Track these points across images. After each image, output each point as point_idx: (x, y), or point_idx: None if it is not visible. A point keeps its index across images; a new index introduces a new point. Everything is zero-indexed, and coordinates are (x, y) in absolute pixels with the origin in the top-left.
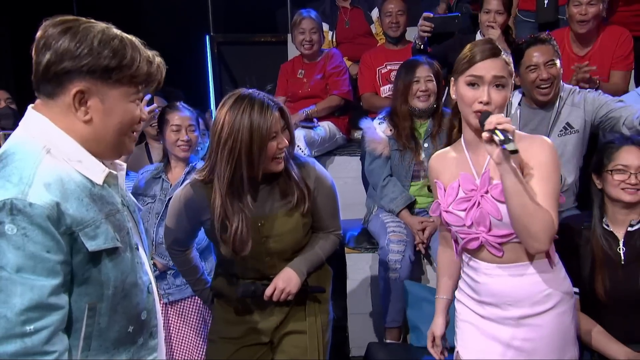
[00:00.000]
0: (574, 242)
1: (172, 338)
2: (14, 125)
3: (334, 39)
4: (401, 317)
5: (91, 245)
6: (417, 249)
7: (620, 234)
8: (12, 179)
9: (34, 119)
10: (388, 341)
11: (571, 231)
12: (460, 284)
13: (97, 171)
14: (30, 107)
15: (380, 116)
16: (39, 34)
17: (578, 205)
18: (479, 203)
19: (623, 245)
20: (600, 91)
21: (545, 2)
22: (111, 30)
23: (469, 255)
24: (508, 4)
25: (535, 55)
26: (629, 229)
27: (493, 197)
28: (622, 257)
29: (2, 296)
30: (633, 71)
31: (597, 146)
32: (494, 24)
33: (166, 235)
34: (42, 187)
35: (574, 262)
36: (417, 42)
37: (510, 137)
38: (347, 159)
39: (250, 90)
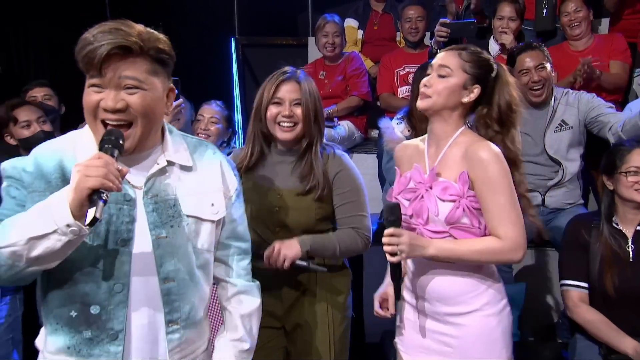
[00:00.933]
0: (583, 240)
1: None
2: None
3: (362, 37)
4: None
5: (29, 208)
6: None
7: (629, 233)
8: None
9: None
10: None
11: (581, 229)
12: (405, 279)
13: (78, 154)
14: None
15: (398, 116)
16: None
17: (585, 202)
18: (422, 196)
19: (632, 244)
20: (594, 94)
21: (544, 11)
22: (95, 26)
23: None
24: (520, 10)
25: (527, 60)
26: (638, 228)
27: (435, 194)
28: (631, 255)
29: None
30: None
31: (608, 148)
32: (507, 30)
33: None
34: (23, 158)
35: (583, 258)
36: (433, 46)
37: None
38: (365, 157)
39: (293, 67)
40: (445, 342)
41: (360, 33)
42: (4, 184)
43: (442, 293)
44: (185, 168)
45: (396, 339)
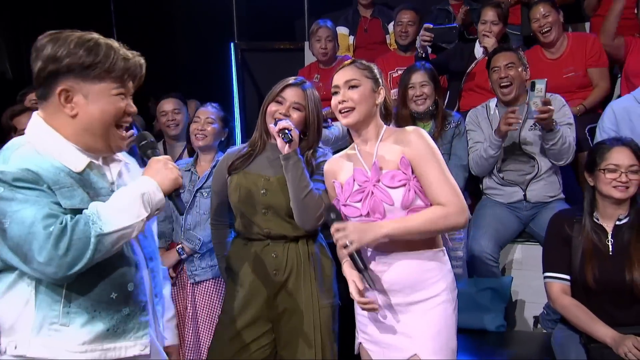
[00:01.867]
0: (566, 234)
1: (199, 315)
2: None
3: (354, 43)
4: None
5: (66, 204)
6: None
7: (609, 227)
8: None
9: (31, 121)
10: None
11: (564, 224)
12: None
13: (76, 160)
14: (34, 112)
15: None
16: (32, 48)
17: (566, 197)
18: (372, 192)
19: (611, 238)
20: (565, 104)
21: (528, 17)
22: (88, 35)
23: (370, 248)
24: (503, 15)
25: (498, 59)
26: (617, 222)
27: (384, 184)
28: (611, 249)
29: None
30: None
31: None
32: (489, 34)
33: (210, 206)
34: (16, 162)
35: (565, 252)
36: (419, 50)
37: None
38: None
39: (302, 78)
40: (404, 333)
41: (351, 39)
42: (8, 189)
43: (402, 283)
44: (128, 165)
45: (360, 338)
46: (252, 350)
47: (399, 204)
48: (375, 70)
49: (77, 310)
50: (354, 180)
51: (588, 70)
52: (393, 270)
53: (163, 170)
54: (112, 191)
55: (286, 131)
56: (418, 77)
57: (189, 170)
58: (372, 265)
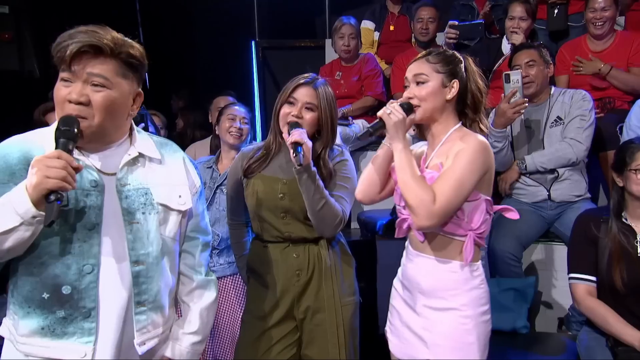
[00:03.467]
0: (592, 235)
1: (217, 311)
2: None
3: (378, 39)
4: None
5: None
6: None
7: (638, 228)
8: None
9: None
10: None
11: (590, 223)
12: (399, 269)
13: (47, 148)
14: None
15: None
16: None
17: (592, 196)
18: None
19: None
20: (587, 99)
21: (555, 12)
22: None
23: (408, 241)
24: (532, 10)
25: (519, 57)
26: None
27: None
28: (639, 250)
29: None
30: None
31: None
32: (517, 30)
33: (226, 205)
34: None
35: (592, 252)
36: (444, 48)
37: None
38: (374, 153)
39: (314, 75)
40: (420, 335)
41: (376, 35)
42: None
43: (425, 285)
44: (155, 160)
45: (386, 328)
46: (278, 350)
47: None
48: (455, 61)
49: (17, 302)
50: None
51: (629, 69)
52: (419, 270)
53: (31, 173)
54: (94, 187)
55: (298, 147)
56: None
57: (210, 167)
58: (404, 256)
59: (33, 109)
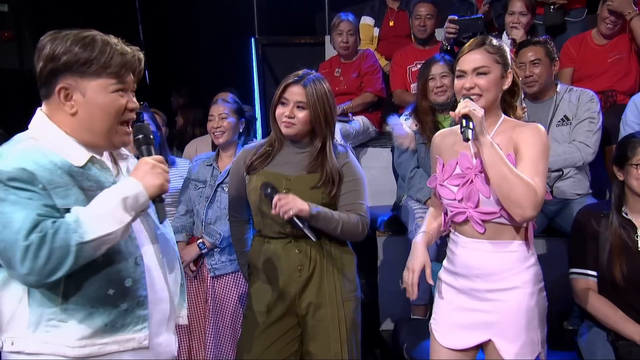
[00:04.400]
0: (593, 229)
1: (219, 308)
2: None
3: (378, 35)
4: (427, 295)
5: (60, 203)
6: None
7: (638, 223)
8: None
9: (35, 116)
10: (415, 317)
11: (591, 218)
12: (444, 261)
13: (77, 155)
14: (38, 108)
15: (406, 112)
16: (36, 48)
17: (593, 192)
18: (471, 180)
19: None
20: (594, 100)
21: (551, 8)
22: (85, 32)
23: (453, 230)
24: (531, 5)
25: (524, 54)
26: None
27: (485, 177)
28: None
29: (8, 229)
30: None
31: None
32: (517, 25)
33: (228, 202)
34: (15, 159)
35: (592, 247)
36: (444, 43)
37: (467, 127)
38: (379, 151)
39: (308, 70)
40: (481, 319)
41: (376, 31)
42: (2, 189)
43: (483, 269)
44: (131, 158)
45: (431, 321)
46: (280, 346)
47: (494, 198)
48: (506, 53)
49: (75, 307)
50: (457, 163)
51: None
52: (474, 255)
53: (150, 173)
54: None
55: (297, 220)
56: (438, 69)
57: (211, 165)
58: (454, 247)
59: (33, 107)
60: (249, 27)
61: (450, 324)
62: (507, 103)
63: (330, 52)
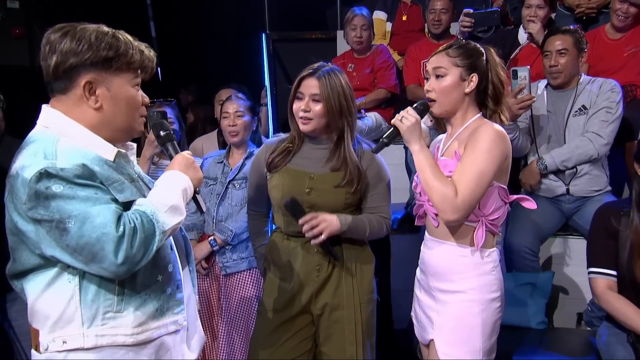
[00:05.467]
0: (612, 228)
1: (230, 307)
2: None
3: (391, 30)
4: None
5: (120, 197)
6: None
7: None
8: (38, 156)
9: (48, 114)
10: None
11: (610, 216)
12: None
13: (107, 149)
14: (44, 105)
15: None
16: (43, 42)
17: (612, 189)
18: None
19: None
20: (615, 90)
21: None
22: (103, 28)
23: (426, 227)
24: None
25: (552, 42)
26: None
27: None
28: None
29: (88, 224)
30: None
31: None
32: (534, 18)
33: (248, 197)
34: (65, 157)
35: (612, 246)
36: (459, 37)
37: (383, 138)
38: (392, 147)
39: (323, 62)
40: (430, 317)
41: (388, 25)
42: (65, 186)
43: (437, 267)
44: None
45: (412, 313)
46: (293, 344)
47: None
48: (475, 54)
49: (130, 296)
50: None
51: None
52: (432, 254)
53: (192, 168)
54: (139, 177)
55: (327, 245)
56: None
57: (221, 162)
58: (423, 246)
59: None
60: (259, 23)
61: (418, 319)
62: (490, 109)
63: (342, 47)
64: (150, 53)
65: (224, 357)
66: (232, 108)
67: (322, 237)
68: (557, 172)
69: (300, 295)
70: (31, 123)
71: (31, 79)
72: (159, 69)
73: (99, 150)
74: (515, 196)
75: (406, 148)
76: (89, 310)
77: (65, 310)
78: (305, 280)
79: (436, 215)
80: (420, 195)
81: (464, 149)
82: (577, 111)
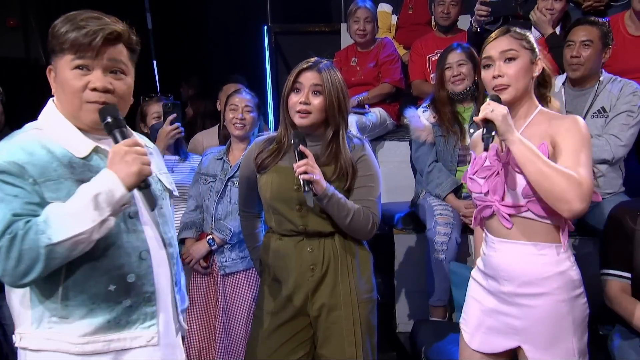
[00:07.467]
0: (628, 228)
1: (229, 307)
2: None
3: (396, 23)
4: (446, 296)
5: (51, 197)
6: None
7: None
8: None
9: (46, 106)
10: (433, 319)
11: (626, 216)
12: (477, 260)
13: (81, 145)
14: (51, 98)
15: (424, 104)
16: None
17: (626, 190)
18: (498, 172)
19: None
20: (637, 94)
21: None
22: (72, 12)
23: (485, 228)
24: None
25: (576, 33)
26: None
27: (513, 167)
28: None
29: None
30: None
31: None
32: (550, 11)
33: (238, 197)
34: (7, 151)
35: (627, 247)
36: (473, 24)
37: (488, 134)
38: (397, 144)
39: (319, 58)
40: (508, 323)
41: (394, 18)
42: None
43: (511, 272)
44: (148, 149)
45: (461, 320)
46: (291, 348)
47: (520, 190)
48: (532, 40)
49: (76, 303)
50: (487, 156)
51: None
52: (504, 257)
53: (122, 162)
54: None
55: (307, 184)
56: (455, 57)
57: (221, 158)
58: (485, 247)
59: (39, 96)
60: (261, 15)
61: (478, 325)
62: (540, 95)
63: (346, 40)
64: (89, 32)
65: (221, 357)
66: (242, 102)
67: (311, 176)
68: None
69: (296, 296)
70: (26, 114)
71: (26, 71)
72: (154, 62)
73: (70, 145)
74: None
75: (411, 144)
76: (37, 312)
77: (20, 308)
78: (300, 281)
79: (510, 215)
80: (487, 195)
81: (550, 143)
82: (595, 112)
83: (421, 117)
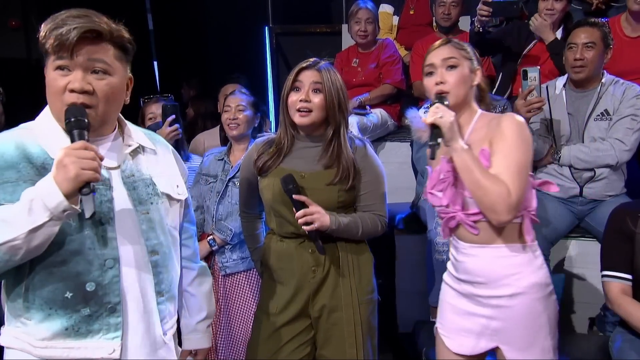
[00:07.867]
0: (628, 230)
1: (230, 308)
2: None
3: (397, 24)
4: None
5: (5, 199)
6: None
7: None
8: None
9: (46, 106)
10: (434, 320)
11: (626, 217)
12: (447, 265)
13: (57, 147)
14: None
15: (425, 105)
16: None
17: (628, 192)
18: (453, 183)
19: None
20: (639, 103)
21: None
22: (58, 13)
23: (454, 236)
24: None
25: (578, 35)
26: None
27: None
28: None
29: None
30: None
31: None
32: (551, 12)
33: (239, 198)
34: None
35: (627, 249)
36: (476, 24)
37: (433, 143)
38: (398, 145)
39: (318, 59)
40: (485, 325)
41: (395, 19)
42: None
43: (485, 276)
44: (150, 151)
45: (437, 324)
46: (291, 349)
47: None
48: (470, 50)
49: (35, 306)
50: (440, 169)
51: None
52: (478, 262)
53: (60, 167)
54: (102, 181)
55: (313, 233)
56: None
57: (222, 159)
58: (455, 253)
59: (39, 96)
60: (262, 15)
61: (456, 328)
62: (485, 104)
63: (347, 41)
64: (65, 28)
65: (222, 358)
66: (234, 102)
67: (310, 227)
68: (568, 167)
69: (297, 297)
70: (27, 115)
71: (27, 71)
72: (155, 63)
73: (49, 145)
74: (538, 181)
75: (412, 145)
76: (8, 309)
77: (2, 305)
78: (301, 282)
79: (475, 222)
80: (448, 207)
81: (489, 146)
82: (598, 115)
83: (422, 118)
